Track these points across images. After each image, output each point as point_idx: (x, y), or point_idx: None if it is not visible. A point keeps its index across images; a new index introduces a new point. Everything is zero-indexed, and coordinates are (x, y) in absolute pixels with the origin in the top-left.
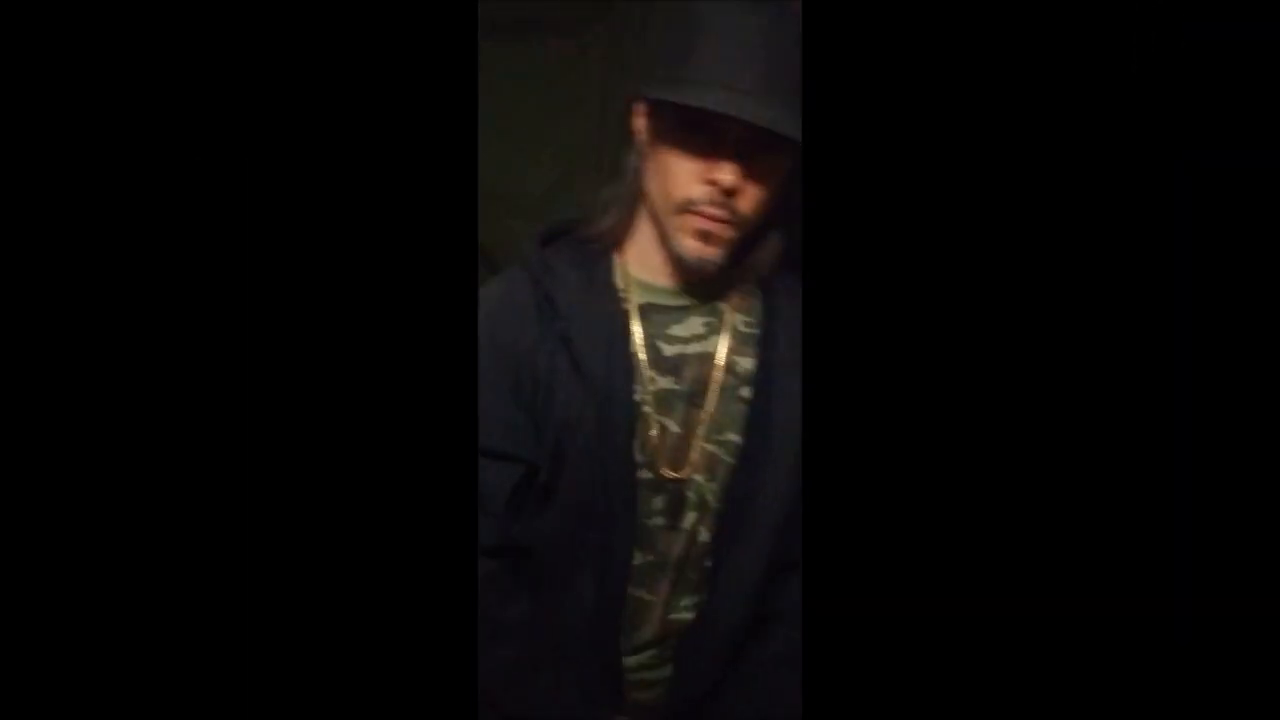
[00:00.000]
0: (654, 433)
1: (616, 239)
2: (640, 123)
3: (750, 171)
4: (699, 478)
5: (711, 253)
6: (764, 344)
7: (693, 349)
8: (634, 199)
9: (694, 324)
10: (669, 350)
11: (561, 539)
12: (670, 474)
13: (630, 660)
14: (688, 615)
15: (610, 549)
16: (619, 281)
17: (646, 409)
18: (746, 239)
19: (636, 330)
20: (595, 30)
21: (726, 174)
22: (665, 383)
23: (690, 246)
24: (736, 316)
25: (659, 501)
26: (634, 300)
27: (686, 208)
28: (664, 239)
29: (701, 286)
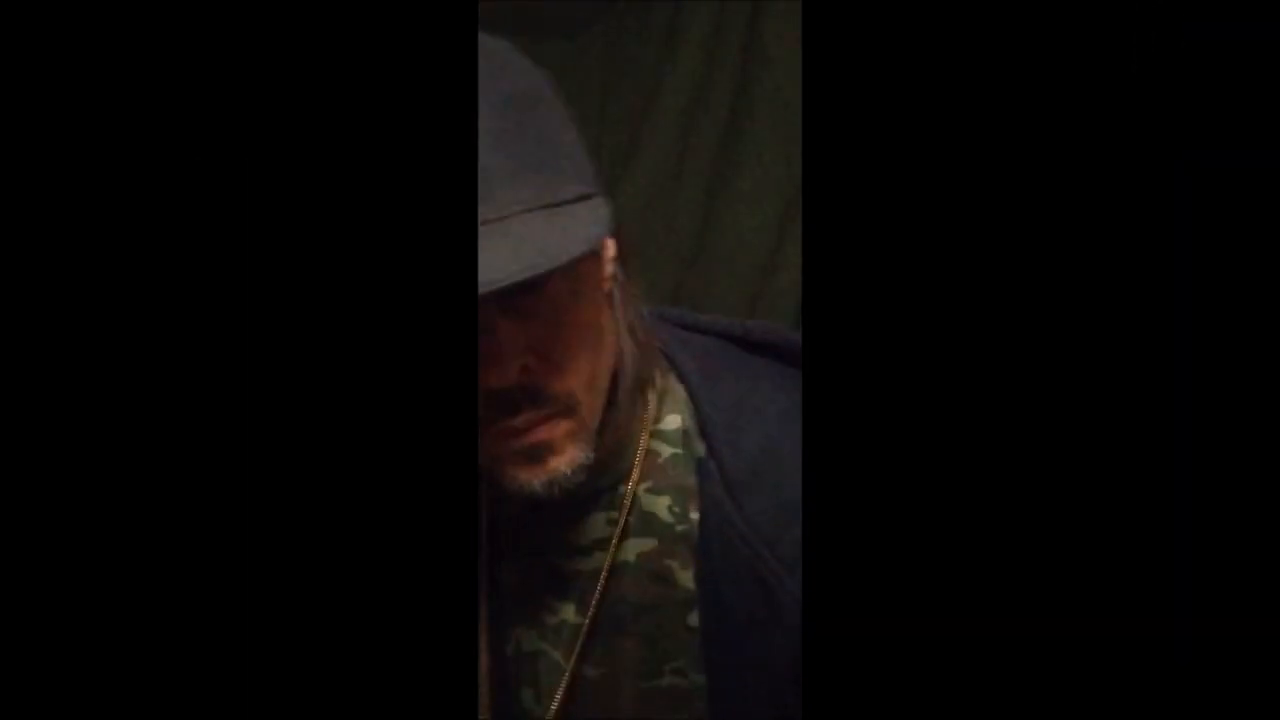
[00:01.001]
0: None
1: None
2: None
3: (534, 335)
4: None
5: (565, 462)
6: (699, 546)
7: (595, 563)
8: None
9: (598, 523)
10: (567, 567)
11: None
12: None
13: None
14: None
15: None
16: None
17: (535, 648)
18: (601, 397)
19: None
20: (595, 31)
21: (498, 375)
22: (565, 614)
23: (531, 476)
24: (660, 501)
25: None
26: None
27: (491, 434)
28: (494, 481)
29: (601, 471)
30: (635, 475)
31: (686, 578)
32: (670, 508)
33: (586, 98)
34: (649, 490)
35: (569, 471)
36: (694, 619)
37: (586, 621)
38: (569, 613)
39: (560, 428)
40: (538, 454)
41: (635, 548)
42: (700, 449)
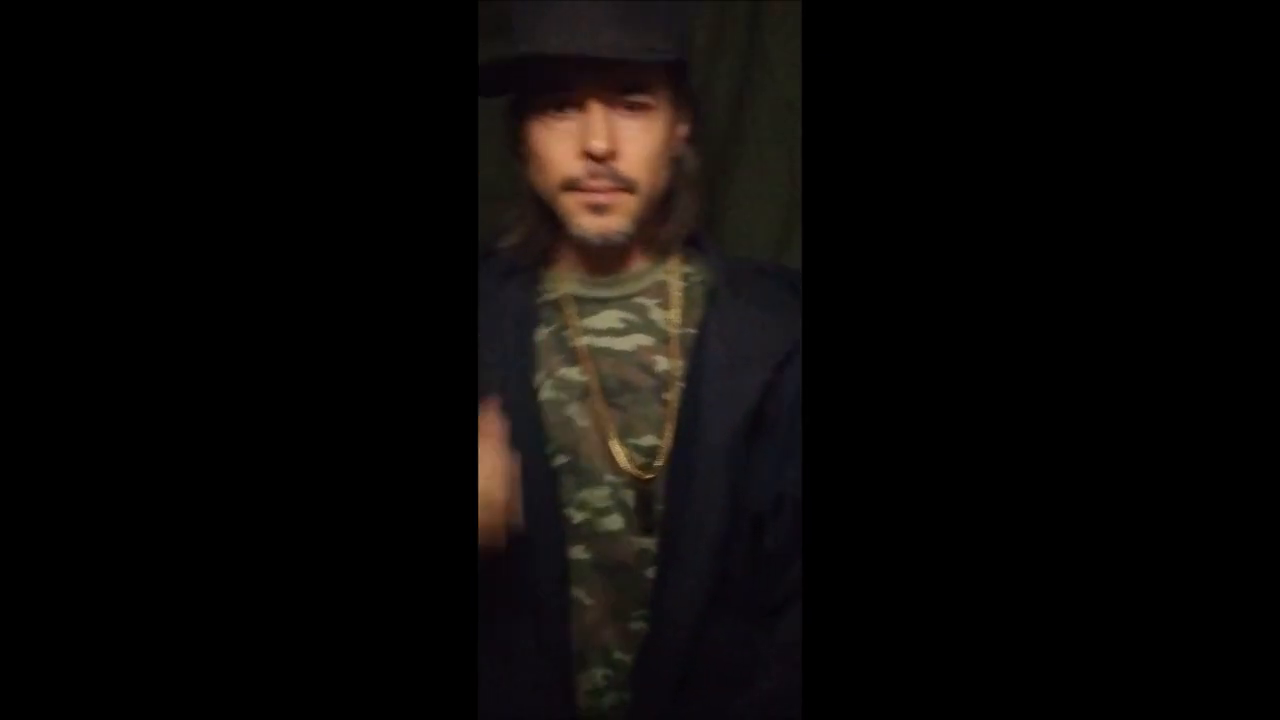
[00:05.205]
0: (558, 422)
1: (539, 252)
2: (513, 121)
3: (626, 129)
4: (615, 478)
5: (613, 224)
6: (696, 347)
7: (603, 342)
8: (534, 204)
9: (611, 318)
10: (579, 341)
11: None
12: (593, 465)
13: (581, 677)
14: (634, 627)
15: (536, 542)
16: (542, 281)
17: (550, 396)
18: (653, 207)
19: (547, 318)
20: None
21: (596, 139)
22: (572, 373)
23: (586, 224)
24: (665, 314)
25: (585, 495)
26: (554, 293)
27: (570, 186)
28: (565, 229)
29: (623, 279)
30: (660, 295)
31: (662, 365)
32: (674, 321)
33: None
34: (657, 305)
35: (616, 230)
36: (668, 396)
37: (595, 382)
38: (575, 374)
39: (620, 198)
40: (600, 209)
41: (634, 341)
42: (702, 291)
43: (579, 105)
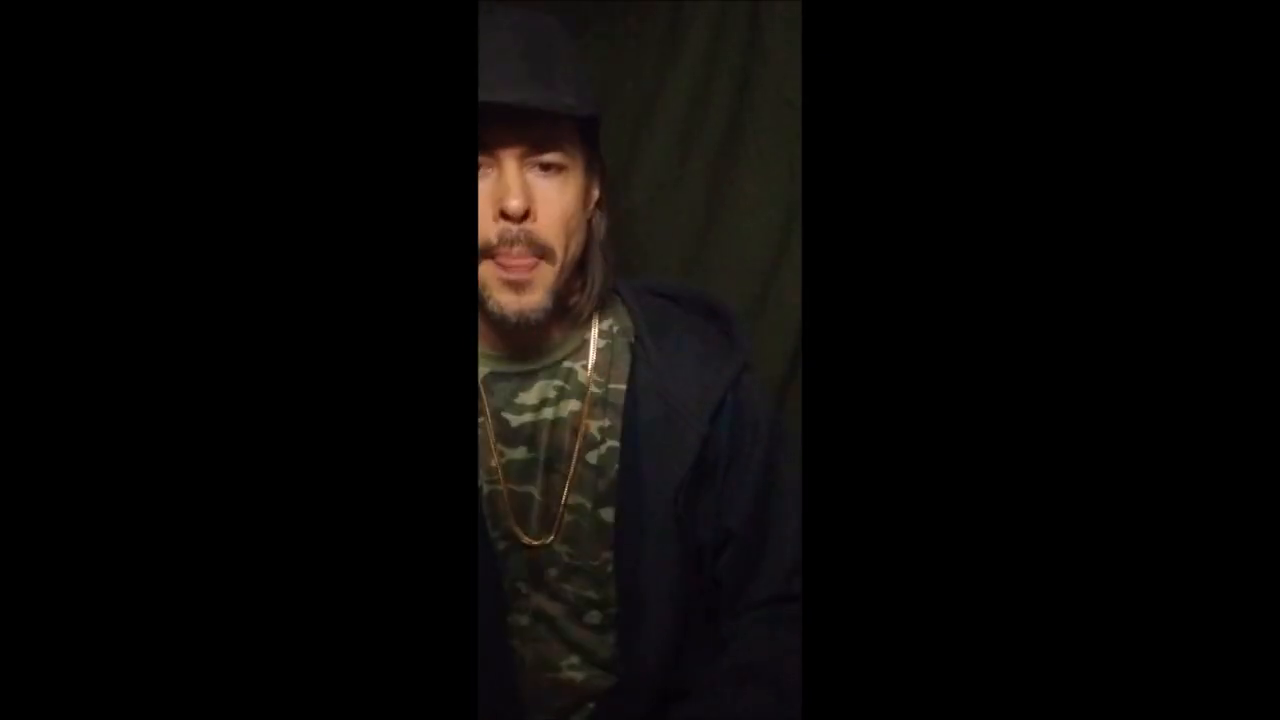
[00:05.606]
0: (511, 503)
1: None
2: None
3: (542, 189)
4: (562, 546)
5: (531, 302)
6: (629, 405)
7: (545, 415)
8: None
9: (543, 389)
10: (516, 420)
11: None
12: (530, 541)
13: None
14: (601, 683)
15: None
16: None
17: (496, 483)
18: (568, 276)
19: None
20: (595, 31)
21: (512, 198)
22: (517, 453)
23: (505, 302)
24: (589, 376)
25: (526, 570)
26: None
27: (488, 254)
28: (484, 304)
29: (547, 349)
30: (581, 357)
31: (593, 428)
32: (598, 381)
33: None
34: (582, 366)
35: (534, 309)
36: (594, 458)
37: (540, 457)
38: (519, 453)
39: (538, 271)
40: (519, 287)
41: (568, 407)
42: (625, 343)
43: (492, 164)
